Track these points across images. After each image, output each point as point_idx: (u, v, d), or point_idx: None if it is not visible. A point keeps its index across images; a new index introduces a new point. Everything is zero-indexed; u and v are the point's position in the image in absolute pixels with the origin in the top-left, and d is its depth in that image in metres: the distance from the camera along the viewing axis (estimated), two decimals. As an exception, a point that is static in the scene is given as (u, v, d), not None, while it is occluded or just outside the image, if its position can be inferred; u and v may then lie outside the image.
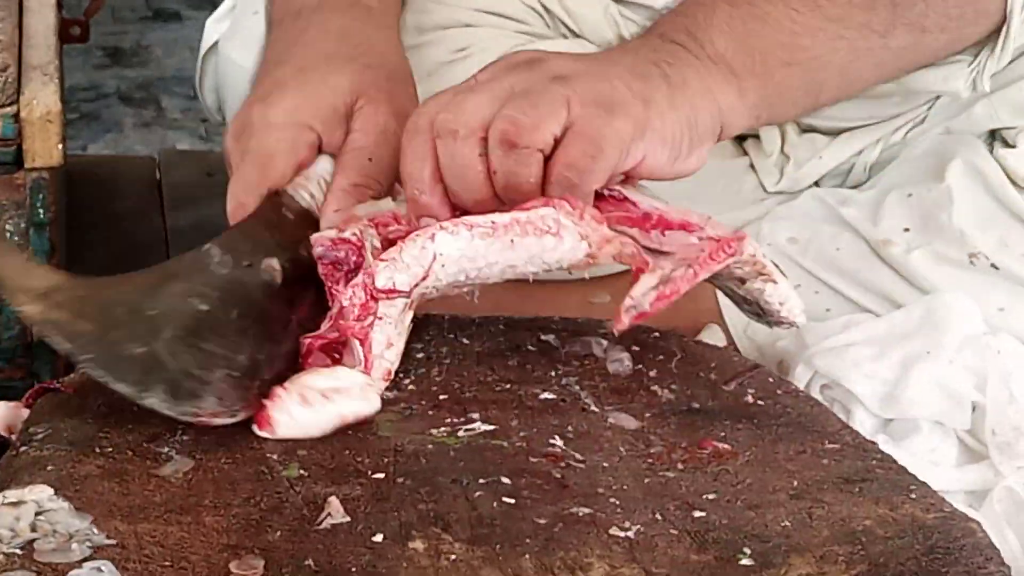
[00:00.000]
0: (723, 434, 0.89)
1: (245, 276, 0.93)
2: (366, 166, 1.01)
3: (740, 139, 1.33)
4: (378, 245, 0.94)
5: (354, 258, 0.93)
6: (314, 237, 0.95)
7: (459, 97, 0.93)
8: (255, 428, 0.85)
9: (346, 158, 1.02)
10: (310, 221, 0.99)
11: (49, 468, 0.80)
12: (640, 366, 0.95)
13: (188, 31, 3.53)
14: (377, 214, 0.96)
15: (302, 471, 0.82)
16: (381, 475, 0.82)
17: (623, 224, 0.95)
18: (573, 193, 0.92)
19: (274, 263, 0.94)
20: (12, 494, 0.77)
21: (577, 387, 0.93)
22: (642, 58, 0.99)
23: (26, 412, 0.87)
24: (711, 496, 0.82)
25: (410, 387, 0.92)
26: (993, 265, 1.17)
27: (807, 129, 1.30)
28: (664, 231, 0.95)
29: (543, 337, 0.98)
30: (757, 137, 1.30)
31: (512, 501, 0.80)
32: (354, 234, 0.94)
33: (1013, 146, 1.21)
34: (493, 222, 0.90)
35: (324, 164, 1.02)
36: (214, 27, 1.38)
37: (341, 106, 1.03)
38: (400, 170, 0.95)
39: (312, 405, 0.86)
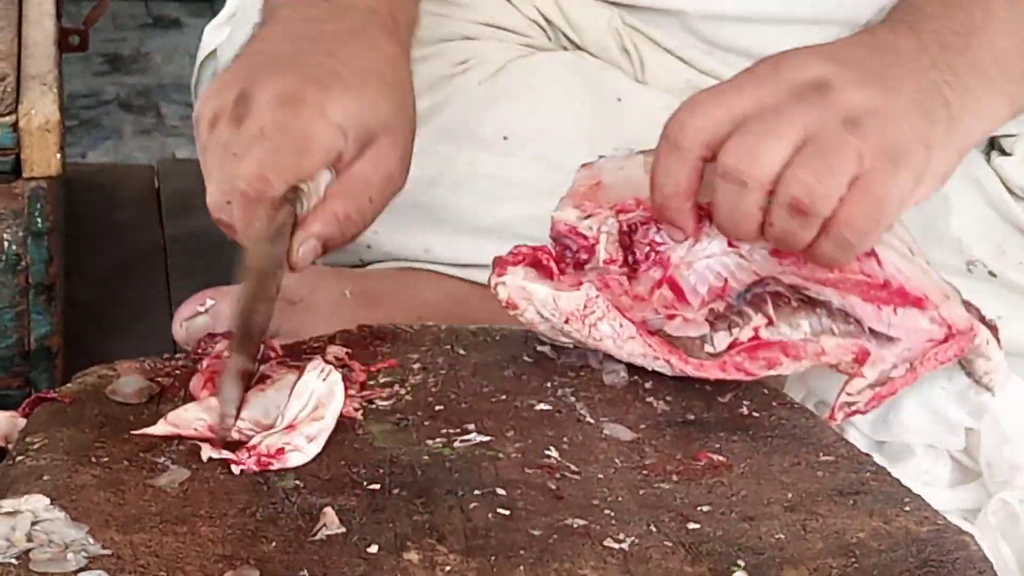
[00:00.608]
0: (718, 446, 0.89)
1: None
2: (364, 206, 0.99)
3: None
4: (615, 232, 0.94)
5: (584, 256, 0.94)
6: (556, 215, 0.94)
7: (748, 139, 0.89)
8: None
9: (352, 186, 0.98)
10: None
11: (45, 478, 0.81)
12: (635, 378, 0.95)
13: (188, 38, 3.54)
14: (619, 200, 0.95)
15: (297, 482, 0.82)
16: (376, 486, 0.82)
17: (859, 293, 0.94)
18: (847, 252, 0.90)
19: None
20: (8, 504, 0.77)
21: (572, 398, 0.93)
22: (925, 81, 0.94)
23: (23, 422, 0.87)
24: (706, 508, 0.82)
25: (406, 398, 0.92)
26: (991, 273, 1.17)
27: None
28: (897, 308, 0.93)
29: (539, 348, 0.98)
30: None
31: (507, 512, 0.80)
32: (590, 228, 0.94)
33: (1010, 154, 1.21)
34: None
35: (328, 177, 0.98)
36: (213, 34, 1.39)
37: (371, 131, 0.99)
38: (652, 176, 0.92)
39: None
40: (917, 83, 0.93)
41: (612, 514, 0.81)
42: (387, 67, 1.02)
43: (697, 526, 0.80)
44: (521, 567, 0.76)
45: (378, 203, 0.99)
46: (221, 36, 1.35)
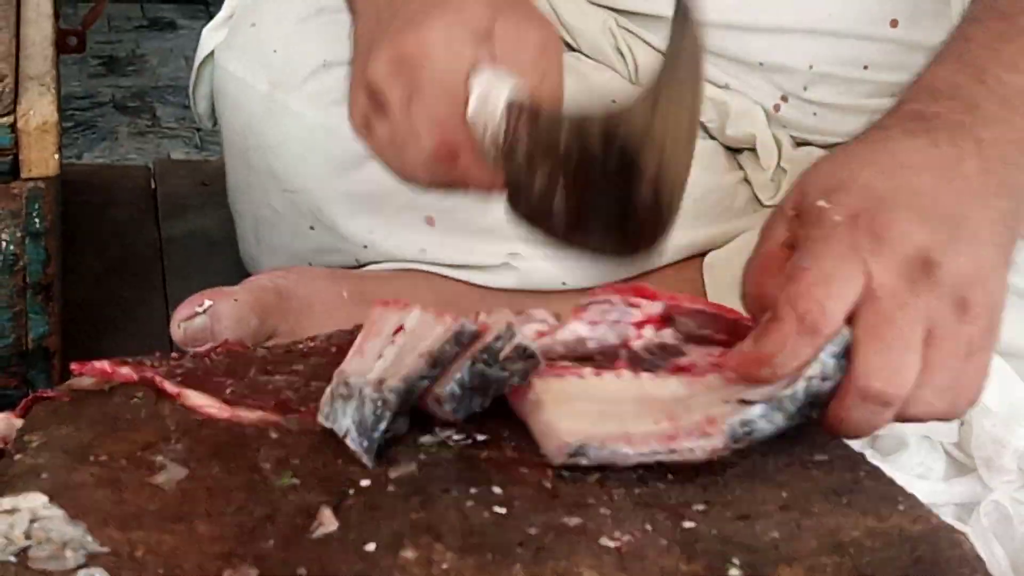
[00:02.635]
0: (713, 445, 0.89)
1: None
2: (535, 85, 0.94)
3: (735, 151, 1.34)
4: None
5: None
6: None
7: (888, 356, 0.85)
8: None
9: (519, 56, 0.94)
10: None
11: (44, 476, 0.81)
12: (631, 378, 0.96)
13: (183, 40, 3.55)
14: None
15: (295, 480, 0.82)
16: (373, 484, 0.82)
17: None
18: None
19: None
20: (7, 502, 0.77)
21: (568, 397, 0.93)
22: (995, 213, 0.90)
23: (19, 423, 0.87)
24: (700, 507, 0.83)
25: (403, 397, 0.92)
26: None
27: (803, 143, 1.31)
28: None
29: (534, 347, 0.99)
30: (752, 150, 1.31)
31: (503, 511, 0.81)
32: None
33: None
34: None
35: (484, 76, 0.93)
36: (210, 36, 1.39)
37: (483, 30, 0.95)
38: (764, 348, 0.85)
39: None
40: (990, 219, 0.90)
41: (608, 513, 0.81)
42: None
43: (692, 524, 0.81)
44: (518, 565, 0.76)
45: (544, 72, 0.95)
46: (218, 38, 1.36)
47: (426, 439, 0.87)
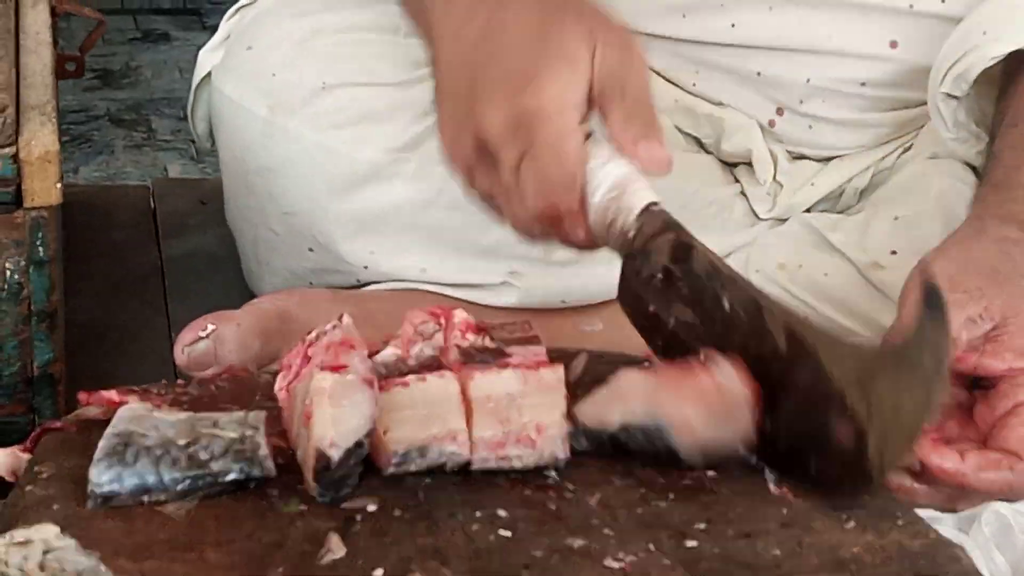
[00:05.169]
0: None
1: None
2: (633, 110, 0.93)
3: (731, 165, 1.34)
4: None
5: None
6: None
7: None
8: None
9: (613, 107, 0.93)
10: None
11: (55, 507, 0.82)
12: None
13: (177, 52, 3.55)
14: None
15: (302, 506, 0.83)
16: (380, 510, 0.83)
17: None
18: None
19: None
20: (20, 534, 0.78)
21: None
22: None
23: (27, 457, 0.88)
24: (702, 525, 0.84)
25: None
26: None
27: (798, 156, 1.32)
28: None
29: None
30: (748, 164, 1.32)
31: (508, 534, 0.82)
32: None
33: None
34: None
35: (621, 169, 0.94)
36: (207, 57, 1.40)
37: (587, 69, 0.93)
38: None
39: None
40: None
41: (611, 533, 0.82)
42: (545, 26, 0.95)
43: (695, 543, 0.82)
44: (524, 588, 0.77)
45: (634, 89, 0.94)
46: (215, 60, 1.37)
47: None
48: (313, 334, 0.87)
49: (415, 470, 0.86)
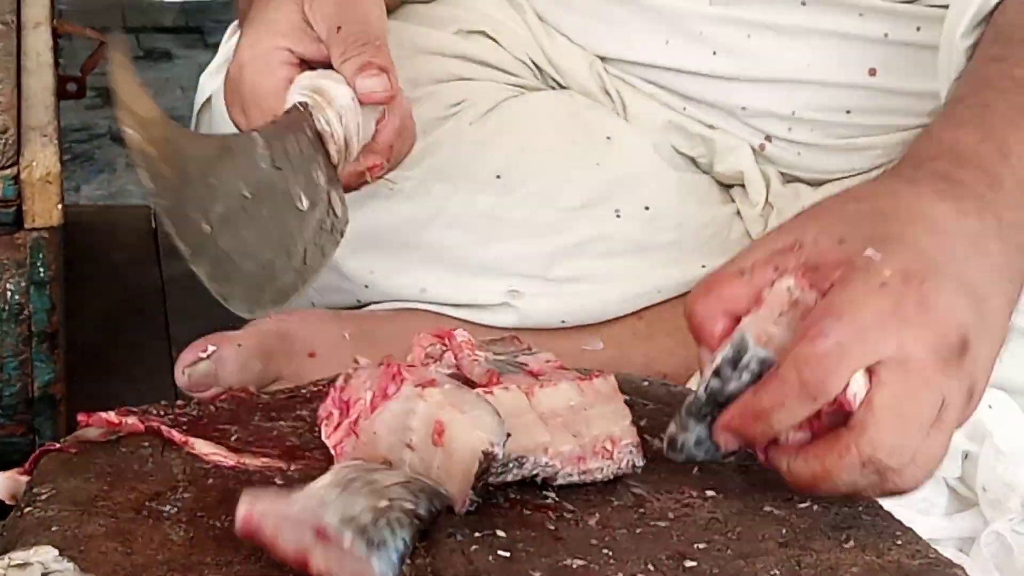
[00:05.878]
0: (712, 482, 0.90)
1: (276, 178, 0.98)
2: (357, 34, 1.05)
3: (727, 187, 1.35)
4: None
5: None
6: None
7: (903, 435, 0.83)
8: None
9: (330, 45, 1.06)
10: (320, 145, 1.03)
11: (54, 529, 0.82)
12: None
13: (179, 70, 3.55)
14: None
15: (301, 527, 0.83)
16: (379, 530, 0.83)
17: None
18: None
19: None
20: (18, 556, 0.78)
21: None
22: (1011, 294, 0.89)
23: (26, 479, 0.88)
24: (702, 545, 0.84)
25: (406, 440, 0.93)
26: None
27: (792, 179, 1.32)
28: None
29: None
30: (742, 186, 1.32)
31: (507, 555, 0.82)
32: None
33: None
34: None
35: (343, 92, 1.04)
36: (208, 81, 1.40)
37: (298, 21, 1.08)
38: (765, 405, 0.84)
39: None
40: (1004, 305, 0.88)
41: (610, 553, 0.82)
42: None
43: (694, 563, 0.82)
44: (523, 608, 0.77)
45: (350, 22, 1.06)
46: (216, 82, 1.37)
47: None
48: (340, 380, 0.87)
49: (511, 480, 0.85)
